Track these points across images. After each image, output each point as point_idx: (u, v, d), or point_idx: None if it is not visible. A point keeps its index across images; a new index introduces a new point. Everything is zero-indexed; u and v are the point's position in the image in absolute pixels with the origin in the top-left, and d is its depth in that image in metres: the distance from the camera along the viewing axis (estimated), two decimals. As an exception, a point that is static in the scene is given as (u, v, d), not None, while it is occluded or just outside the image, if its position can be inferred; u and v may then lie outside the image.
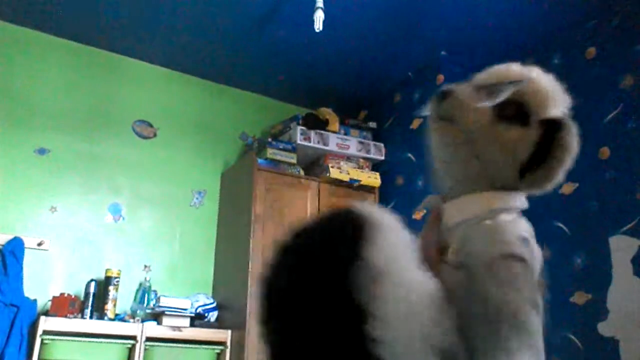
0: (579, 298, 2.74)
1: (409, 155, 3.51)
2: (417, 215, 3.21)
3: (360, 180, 3.49)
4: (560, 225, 2.88)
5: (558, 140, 0.95)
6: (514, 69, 1.03)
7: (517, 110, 0.96)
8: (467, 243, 0.88)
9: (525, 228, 0.92)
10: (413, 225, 0.95)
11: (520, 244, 0.86)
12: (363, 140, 3.69)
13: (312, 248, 0.86)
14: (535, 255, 0.89)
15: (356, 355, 0.77)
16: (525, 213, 1.01)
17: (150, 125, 3.52)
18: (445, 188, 1.02)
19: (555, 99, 1.00)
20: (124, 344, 2.78)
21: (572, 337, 2.72)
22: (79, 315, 2.80)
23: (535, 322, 0.81)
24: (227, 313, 3.14)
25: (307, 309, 0.81)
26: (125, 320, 2.90)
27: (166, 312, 2.95)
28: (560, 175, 0.98)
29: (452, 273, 0.87)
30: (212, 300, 3.18)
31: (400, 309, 0.76)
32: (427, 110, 1.05)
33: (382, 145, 3.71)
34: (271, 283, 0.88)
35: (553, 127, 0.96)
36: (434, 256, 0.91)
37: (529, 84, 0.98)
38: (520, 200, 0.98)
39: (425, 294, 0.79)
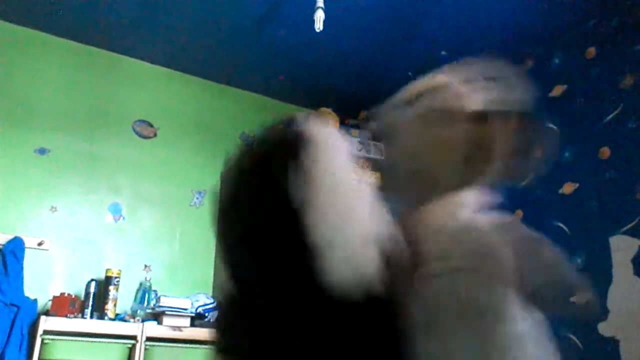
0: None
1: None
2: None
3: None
4: (560, 225, 2.89)
5: (494, 132, 0.97)
6: (437, 77, 1.05)
7: (445, 112, 0.97)
8: (443, 250, 0.88)
9: (487, 220, 0.92)
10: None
11: (490, 237, 0.87)
12: (363, 140, 3.69)
13: (250, 159, 0.91)
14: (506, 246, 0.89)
15: (295, 246, 0.79)
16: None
17: (151, 125, 3.52)
18: (405, 202, 1.02)
19: (481, 93, 1.00)
20: (124, 343, 2.78)
21: (572, 337, 2.72)
22: (79, 315, 2.80)
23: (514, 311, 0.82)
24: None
25: (250, 211, 0.84)
26: (125, 320, 2.90)
27: (166, 312, 2.95)
28: (513, 165, 0.99)
29: (430, 283, 0.86)
30: (212, 300, 3.18)
31: (336, 198, 0.80)
32: (369, 135, 1.09)
33: (382, 145, 3.70)
34: (221, 194, 0.93)
35: (486, 121, 0.97)
36: (407, 267, 0.90)
37: (450, 86, 1.00)
38: (478, 197, 0.97)
39: (359, 188, 0.83)
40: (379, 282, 0.80)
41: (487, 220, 0.91)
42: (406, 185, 1.00)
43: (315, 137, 0.86)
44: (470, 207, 0.94)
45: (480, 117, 0.97)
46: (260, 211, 0.83)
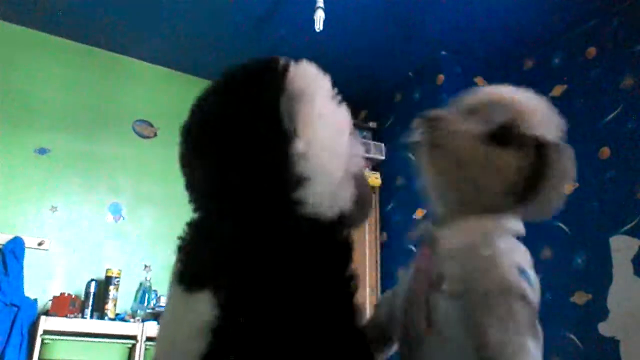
0: (579, 298, 2.74)
1: (409, 155, 3.51)
2: (419, 214, 3.21)
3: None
4: (560, 225, 2.89)
5: (552, 165, 0.93)
6: (504, 91, 1.00)
7: (509, 133, 0.93)
8: (465, 272, 0.86)
9: (522, 257, 0.89)
10: (415, 225, 0.96)
11: (518, 277, 0.84)
12: (363, 140, 3.69)
13: (235, 85, 0.89)
14: (535, 286, 0.87)
15: (279, 174, 0.79)
16: None
17: (151, 125, 3.52)
18: (437, 214, 1.00)
19: (548, 121, 0.97)
20: (124, 343, 2.79)
21: (572, 337, 2.72)
22: (79, 315, 2.80)
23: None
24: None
25: (231, 139, 0.82)
26: (125, 320, 2.90)
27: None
28: (555, 201, 0.96)
29: (448, 303, 0.85)
30: (212, 300, 3.17)
31: (322, 130, 0.81)
32: (415, 136, 1.05)
33: (382, 145, 3.71)
34: (195, 122, 0.90)
35: (547, 151, 0.94)
36: (424, 285, 0.89)
37: (520, 106, 0.96)
38: (515, 225, 0.95)
39: (343, 123, 0.85)
40: (351, 218, 0.83)
41: (521, 256, 0.89)
42: (451, 195, 0.96)
43: (302, 70, 0.87)
44: (505, 234, 0.92)
45: (544, 146, 0.94)
46: (245, 133, 0.81)
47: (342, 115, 0.88)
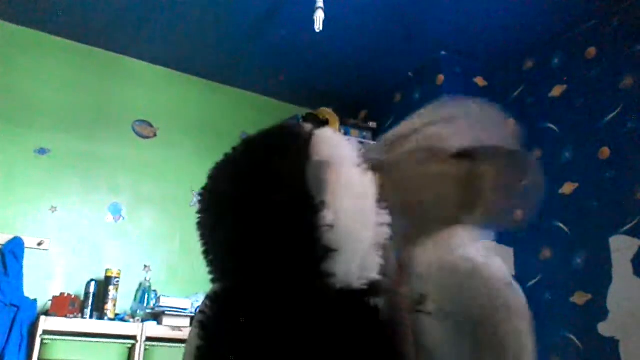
0: (579, 298, 2.74)
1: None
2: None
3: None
4: (560, 225, 2.88)
5: (483, 172, 0.96)
6: (417, 117, 1.05)
7: (426, 152, 0.98)
8: (450, 291, 0.87)
9: (503, 269, 0.91)
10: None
11: (509, 293, 0.86)
12: (363, 140, 3.69)
13: (259, 153, 0.86)
14: (522, 296, 0.89)
15: (307, 245, 0.77)
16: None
17: (150, 125, 3.52)
18: (399, 233, 1.00)
19: (457, 132, 1.00)
20: (124, 343, 2.78)
21: (572, 337, 2.72)
22: (79, 315, 2.80)
23: None
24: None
25: (258, 209, 0.80)
26: (125, 320, 2.90)
27: (166, 312, 2.95)
28: (499, 206, 0.98)
29: (435, 325, 0.86)
30: (212, 300, 3.17)
31: (350, 200, 0.79)
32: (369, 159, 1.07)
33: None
34: (218, 190, 0.88)
35: (476, 159, 0.97)
36: (406, 307, 0.89)
37: (426, 127, 1.00)
38: (476, 234, 0.97)
39: (369, 192, 0.83)
40: (381, 288, 0.81)
41: (501, 268, 0.91)
42: (398, 218, 0.97)
43: (326, 138, 0.85)
44: (463, 246, 0.93)
45: (465, 156, 0.97)
46: (271, 205, 0.79)
47: (368, 183, 0.84)
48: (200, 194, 0.90)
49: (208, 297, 0.88)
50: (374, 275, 0.79)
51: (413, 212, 0.98)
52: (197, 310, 0.88)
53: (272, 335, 0.76)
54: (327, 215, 0.76)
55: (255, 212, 0.80)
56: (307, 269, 0.77)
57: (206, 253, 0.89)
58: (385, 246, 0.83)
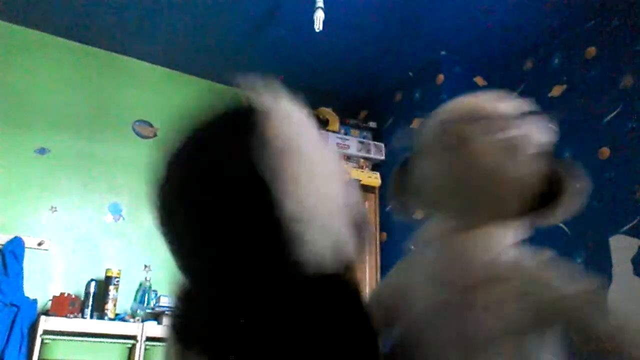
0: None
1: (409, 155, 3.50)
2: (419, 215, 3.20)
3: (360, 180, 3.49)
4: (560, 225, 2.88)
5: (539, 171, 0.96)
6: (514, 102, 1.01)
7: (521, 143, 0.95)
8: (520, 291, 0.89)
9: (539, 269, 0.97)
10: (414, 225, 0.96)
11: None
12: (363, 140, 3.69)
13: (208, 138, 0.82)
14: None
15: (271, 236, 0.73)
16: None
17: (151, 125, 3.52)
18: (442, 218, 1.00)
19: (536, 132, 0.99)
20: (124, 343, 2.78)
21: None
22: (79, 315, 2.80)
23: None
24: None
25: (213, 197, 0.75)
26: (125, 320, 2.90)
27: (166, 312, 2.95)
28: (564, 210, 0.99)
29: (492, 319, 0.87)
30: (212, 300, 3.17)
31: (314, 185, 0.75)
32: (424, 138, 1.02)
33: (382, 145, 3.71)
34: (168, 179, 0.83)
35: (558, 163, 0.98)
36: (456, 298, 0.90)
37: (505, 119, 0.97)
38: (522, 232, 0.98)
39: (335, 171, 0.80)
40: (353, 257, 0.79)
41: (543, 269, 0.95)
42: (454, 201, 0.97)
43: (283, 118, 0.80)
44: (512, 243, 0.95)
45: (542, 158, 0.97)
46: (221, 187, 0.75)
47: (331, 160, 0.81)
48: (152, 185, 0.85)
49: (177, 297, 0.86)
50: (349, 252, 0.77)
51: (477, 197, 0.95)
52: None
53: (248, 331, 0.74)
54: (290, 206, 0.72)
55: (204, 196, 0.76)
56: (277, 263, 0.74)
57: (169, 246, 0.86)
58: (358, 223, 0.81)
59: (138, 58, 3.56)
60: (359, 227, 0.81)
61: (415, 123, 3.51)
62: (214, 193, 0.75)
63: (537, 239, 0.98)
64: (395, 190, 1.09)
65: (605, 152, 2.79)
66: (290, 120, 0.80)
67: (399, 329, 0.96)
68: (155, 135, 3.52)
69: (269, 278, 0.74)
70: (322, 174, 0.78)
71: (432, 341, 0.89)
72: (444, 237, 0.97)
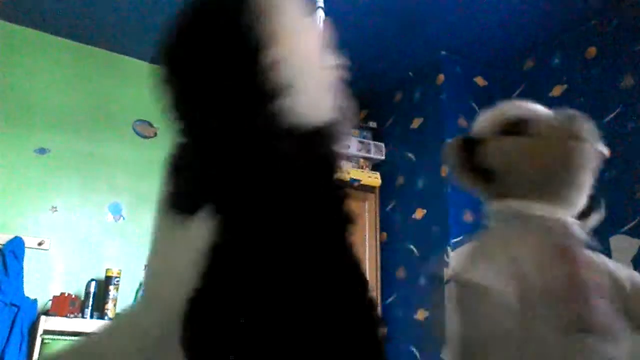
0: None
1: (409, 155, 3.51)
2: (419, 215, 3.20)
3: (360, 180, 3.49)
4: (560, 225, 2.88)
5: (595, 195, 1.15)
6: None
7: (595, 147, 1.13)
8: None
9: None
10: (414, 225, 0.97)
11: None
12: (363, 140, 3.69)
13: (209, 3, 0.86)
14: None
15: (256, 82, 0.76)
16: None
17: (151, 125, 3.52)
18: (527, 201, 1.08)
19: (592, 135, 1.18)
20: (124, 343, 2.78)
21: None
22: (80, 315, 2.80)
23: None
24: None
25: (206, 49, 0.80)
26: (125, 320, 2.90)
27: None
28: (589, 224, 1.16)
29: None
30: (212, 300, 3.17)
31: (300, 39, 0.80)
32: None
33: (382, 145, 3.71)
34: (169, 40, 0.89)
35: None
36: (601, 295, 0.98)
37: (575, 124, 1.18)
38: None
39: (317, 34, 0.86)
40: (334, 129, 0.81)
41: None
42: (548, 187, 1.06)
43: None
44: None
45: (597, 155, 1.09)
46: (214, 46, 0.78)
47: (314, 25, 0.86)
48: (157, 47, 0.90)
49: (174, 147, 0.88)
50: (328, 113, 0.79)
51: (546, 184, 1.06)
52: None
53: (232, 176, 0.75)
54: (274, 53, 0.75)
55: (199, 57, 0.79)
56: (257, 107, 0.75)
57: (168, 108, 0.88)
58: (336, 86, 0.82)
59: (138, 58, 3.56)
60: (336, 91, 0.84)
61: (416, 123, 3.51)
62: (205, 40, 0.80)
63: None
64: (461, 167, 1.17)
65: (605, 152, 2.79)
66: None
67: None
68: (155, 135, 3.52)
69: (249, 126, 0.76)
70: (305, 32, 0.82)
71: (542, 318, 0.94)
72: (536, 219, 1.05)
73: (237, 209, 0.73)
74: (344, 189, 0.80)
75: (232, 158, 0.75)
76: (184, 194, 0.80)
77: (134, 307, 0.95)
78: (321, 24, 2.52)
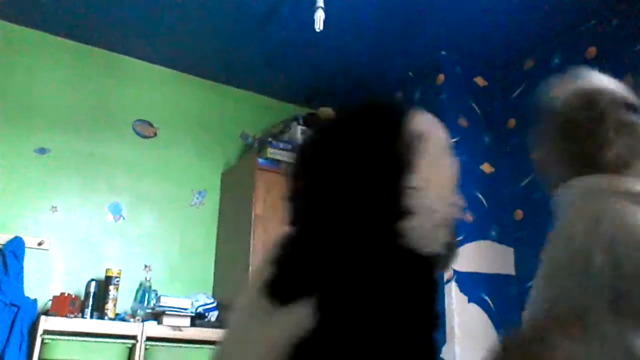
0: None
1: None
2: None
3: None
4: (560, 225, 2.88)
5: None
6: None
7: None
8: None
9: None
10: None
11: None
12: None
13: (365, 115, 0.95)
14: None
15: (390, 201, 0.82)
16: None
17: (151, 125, 3.52)
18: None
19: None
20: (124, 343, 2.78)
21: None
22: (79, 314, 2.80)
23: None
24: (228, 313, 3.14)
25: (356, 158, 0.86)
26: (125, 320, 2.90)
27: (166, 312, 2.95)
28: None
29: None
30: (212, 300, 3.18)
31: (436, 173, 0.86)
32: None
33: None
34: (319, 139, 0.96)
35: None
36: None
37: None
38: None
39: (453, 173, 0.91)
40: (443, 262, 0.88)
41: None
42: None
43: (424, 116, 0.93)
44: None
45: None
46: (366, 158, 0.85)
47: (453, 164, 0.92)
48: (300, 145, 0.97)
49: (281, 237, 0.91)
50: (440, 248, 0.84)
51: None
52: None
53: (341, 274, 0.79)
54: (413, 180, 0.83)
55: (347, 163, 0.86)
56: (384, 222, 0.82)
57: (289, 198, 0.93)
58: (452, 226, 0.88)
59: (138, 58, 3.56)
60: (453, 231, 0.89)
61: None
62: (357, 151, 0.87)
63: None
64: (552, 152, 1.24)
65: (605, 152, 2.79)
66: (430, 121, 0.93)
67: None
68: (155, 135, 3.53)
69: (375, 233, 0.82)
70: (444, 169, 0.89)
71: None
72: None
73: (339, 309, 0.77)
74: (438, 320, 0.86)
75: (348, 259, 0.81)
76: (285, 283, 0.83)
77: None
78: (320, 25, 2.53)
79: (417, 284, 0.83)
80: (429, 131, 0.89)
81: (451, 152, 0.92)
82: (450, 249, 0.89)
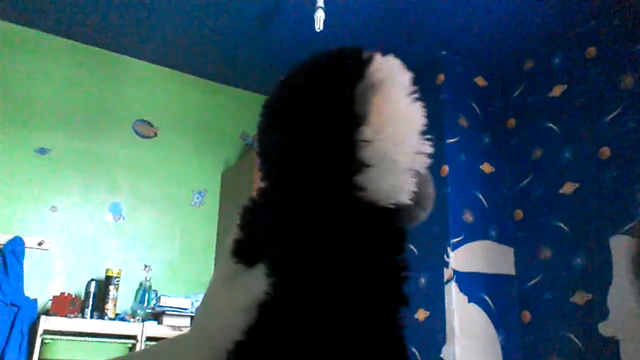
0: (579, 298, 2.74)
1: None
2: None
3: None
4: (561, 225, 2.89)
5: None
6: None
7: None
8: None
9: None
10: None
11: None
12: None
13: (319, 66, 0.92)
14: None
15: (343, 156, 0.80)
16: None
17: (151, 125, 3.52)
18: None
19: None
20: (124, 343, 2.79)
21: (573, 337, 2.72)
22: (80, 314, 2.80)
23: None
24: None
25: (308, 113, 0.84)
26: (125, 320, 2.90)
27: (166, 312, 2.95)
28: None
29: None
30: (212, 300, 3.17)
31: (392, 122, 0.82)
32: None
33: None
34: (278, 93, 0.94)
35: None
36: None
37: None
38: None
39: (415, 120, 0.85)
40: (407, 214, 0.84)
41: None
42: None
43: (384, 63, 0.90)
44: None
45: None
46: (318, 112, 0.83)
47: (415, 112, 0.87)
48: (265, 100, 0.96)
49: (256, 192, 0.91)
50: (404, 199, 0.81)
51: None
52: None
53: (297, 232, 0.79)
54: (367, 132, 0.79)
55: (301, 118, 0.84)
56: (340, 176, 0.80)
57: (259, 154, 0.93)
58: (421, 175, 0.85)
59: (139, 57, 3.56)
60: (421, 179, 0.85)
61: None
62: (310, 105, 0.84)
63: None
64: None
65: (605, 152, 2.79)
66: (390, 68, 0.89)
67: None
68: (155, 134, 3.53)
69: (331, 187, 0.80)
70: (403, 118, 0.84)
71: None
72: None
73: (296, 269, 0.77)
74: (406, 272, 0.83)
75: (304, 217, 0.80)
76: (249, 243, 0.83)
77: (178, 337, 0.99)
78: (320, 25, 2.53)
79: (377, 237, 0.80)
80: (389, 76, 0.86)
81: (415, 96, 0.88)
82: (419, 200, 0.86)
